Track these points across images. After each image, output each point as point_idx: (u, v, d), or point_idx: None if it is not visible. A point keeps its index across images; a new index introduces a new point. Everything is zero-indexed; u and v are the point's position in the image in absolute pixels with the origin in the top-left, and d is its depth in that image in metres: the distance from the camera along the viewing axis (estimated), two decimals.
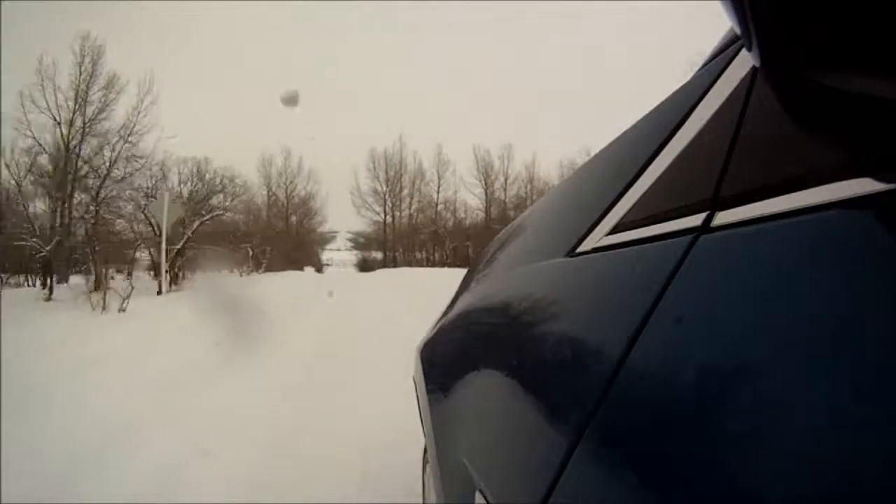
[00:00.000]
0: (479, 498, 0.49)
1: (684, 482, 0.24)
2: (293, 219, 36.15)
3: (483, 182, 34.26)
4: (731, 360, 0.24)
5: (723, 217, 0.30)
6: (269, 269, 24.39)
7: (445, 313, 1.08)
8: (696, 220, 0.31)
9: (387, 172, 35.75)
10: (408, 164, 35.53)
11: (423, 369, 1.01)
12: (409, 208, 36.01)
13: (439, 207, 35.61)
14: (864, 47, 0.17)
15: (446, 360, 0.91)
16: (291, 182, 35.90)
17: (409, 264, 31.46)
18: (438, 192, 35.71)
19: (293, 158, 35.31)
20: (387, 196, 35.78)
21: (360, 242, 38.14)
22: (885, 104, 0.18)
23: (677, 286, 0.30)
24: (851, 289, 0.21)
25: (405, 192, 35.81)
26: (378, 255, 36.96)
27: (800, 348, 0.21)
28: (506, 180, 34.64)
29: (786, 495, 0.19)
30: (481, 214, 33.26)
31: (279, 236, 31.65)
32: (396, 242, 35.86)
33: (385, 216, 36.09)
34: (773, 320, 0.23)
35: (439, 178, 35.76)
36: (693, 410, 0.26)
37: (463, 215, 34.34)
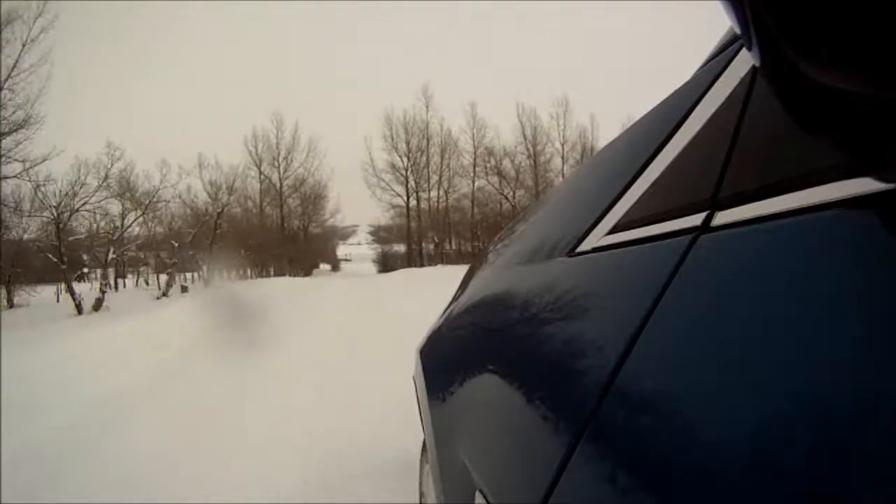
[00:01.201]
0: (479, 498, 0.49)
1: (684, 482, 0.24)
2: (292, 206, 27.18)
3: (531, 149, 24.77)
4: (731, 360, 0.24)
5: (723, 217, 0.30)
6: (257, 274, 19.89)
7: (446, 313, 1.08)
8: (696, 219, 0.31)
9: (408, 143, 26.03)
10: (432, 128, 26.03)
11: (424, 369, 1.01)
12: (438, 187, 26.56)
13: (477, 184, 25.62)
14: (864, 47, 0.17)
15: (446, 360, 0.91)
16: (286, 158, 26.44)
17: (442, 260, 24.51)
18: (475, 166, 25.58)
19: (286, 128, 26.41)
20: (409, 172, 26.35)
21: (382, 236, 31.15)
22: (885, 104, 0.18)
23: (677, 286, 0.30)
24: (851, 289, 0.21)
25: (432, 164, 26.22)
26: (402, 248, 28.55)
27: (800, 348, 0.21)
28: (563, 146, 24.92)
29: (786, 495, 0.19)
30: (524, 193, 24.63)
31: (268, 231, 25.24)
32: (424, 232, 27.10)
33: (408, 198, 26.62)
34: (773, 320, 0.23)
35: (475, 147, 25.53)
36: (693, 410, 0.26)
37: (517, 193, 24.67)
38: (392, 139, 26.47)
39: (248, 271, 22.06)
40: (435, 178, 26.69)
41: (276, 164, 26.77)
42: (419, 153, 26.43)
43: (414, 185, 26.79)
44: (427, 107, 26.31)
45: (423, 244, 27.23)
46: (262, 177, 26.76)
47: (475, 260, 1.21)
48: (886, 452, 0.16)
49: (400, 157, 26.58)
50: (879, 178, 0.20)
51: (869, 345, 0.19)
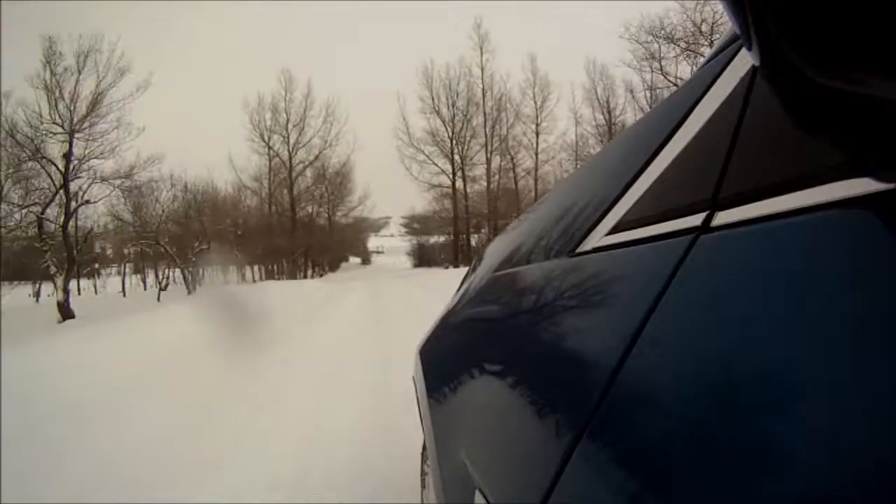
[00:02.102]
0: (479, 498, 0.49)
1: (684, 482, 0.24)
2: (305, 186, 20.33)
3: (605, 115, 18.68)
4: (730, 360, 0.24)
5: (723, 217, 0.30)
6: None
7: (446, 312, 1.08)
8: (696, 220, 0.31)
9: (451, 107, 19.35)
10: (476, 82, 19.45)
11: (423, 369, 1.01)
12: (489, 163, 19.62)
13: (540, 157, 19.24)
14: (864, 47, 0.17)
15: (446, 360, 0.91)
16: (297, 124, 19.79)
17: None
18: (538, 134, 19.44)
19: (298, 86, 19.78)
20: (454, 141, 19.66)
21: (416, 228, 25.75)
22: (885, 104, 0.18)
23: (677, 286, 0.30)
24: (851, 289, 0.21)
25: (484, 127, 19.38)
26: (439, 239, 22.22)
27: (800, 348, 0.21)
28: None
29: (785, 495, 0.19)
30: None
31: (270, 217, 19.01)
32: (473, 218, 20.25)
33: (454, 174, 19.99)
34: (773, 320, 0.23)
35: (538, 109, 19.37)
36: (693, 410, 0.26)
37: None
38: (432, 99, 19.53)
39: (239, 272, 16.71)
40: (486, 147, 19.21)
41: (285, 133, 19.71)
42: (465, 120, 19.31)
43: (460, 160, 19.70)
44: (481, 48, 19.21)
45: (478, 234, 20.65)
46: (271, 152, 19.42)
47: (475, 259, 1.21)
48: (887, 452, 0.16)
49: (444, 123, 19.44)
50: (879, 178, 0.20)
51: (869, 345, 0.19)
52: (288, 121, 20.28)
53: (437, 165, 20.18)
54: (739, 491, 0.21)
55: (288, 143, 20.16)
